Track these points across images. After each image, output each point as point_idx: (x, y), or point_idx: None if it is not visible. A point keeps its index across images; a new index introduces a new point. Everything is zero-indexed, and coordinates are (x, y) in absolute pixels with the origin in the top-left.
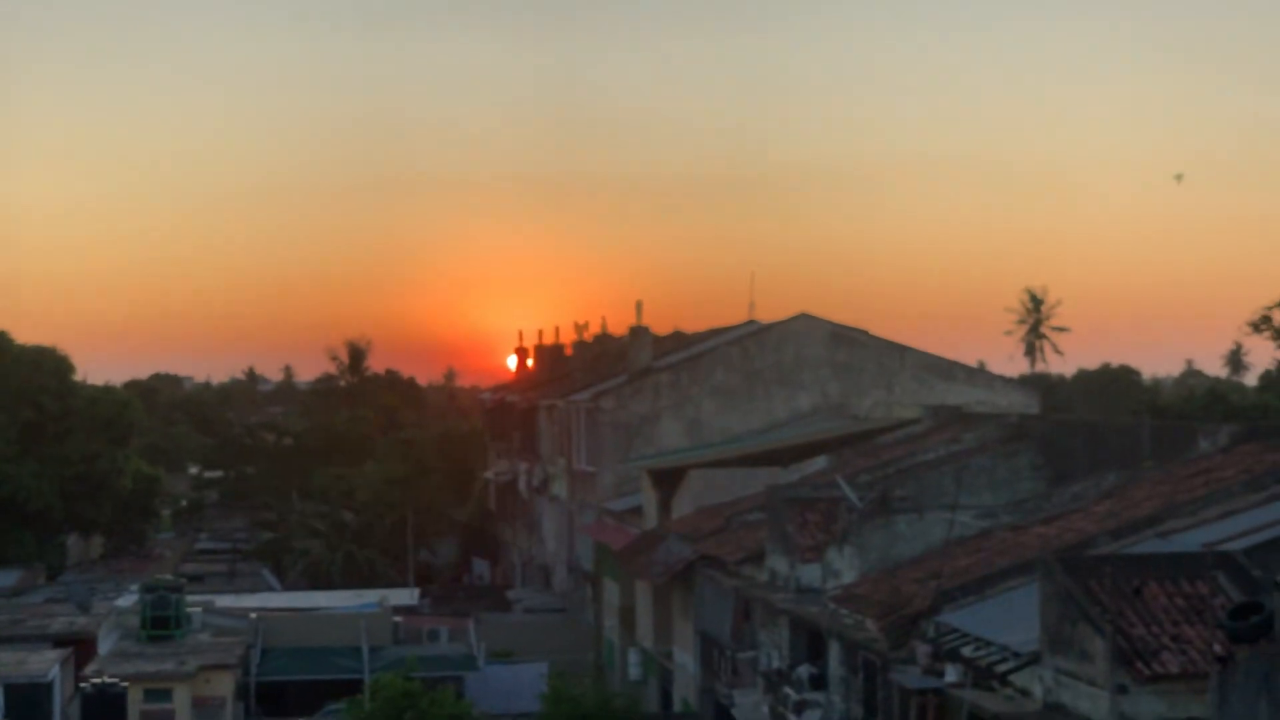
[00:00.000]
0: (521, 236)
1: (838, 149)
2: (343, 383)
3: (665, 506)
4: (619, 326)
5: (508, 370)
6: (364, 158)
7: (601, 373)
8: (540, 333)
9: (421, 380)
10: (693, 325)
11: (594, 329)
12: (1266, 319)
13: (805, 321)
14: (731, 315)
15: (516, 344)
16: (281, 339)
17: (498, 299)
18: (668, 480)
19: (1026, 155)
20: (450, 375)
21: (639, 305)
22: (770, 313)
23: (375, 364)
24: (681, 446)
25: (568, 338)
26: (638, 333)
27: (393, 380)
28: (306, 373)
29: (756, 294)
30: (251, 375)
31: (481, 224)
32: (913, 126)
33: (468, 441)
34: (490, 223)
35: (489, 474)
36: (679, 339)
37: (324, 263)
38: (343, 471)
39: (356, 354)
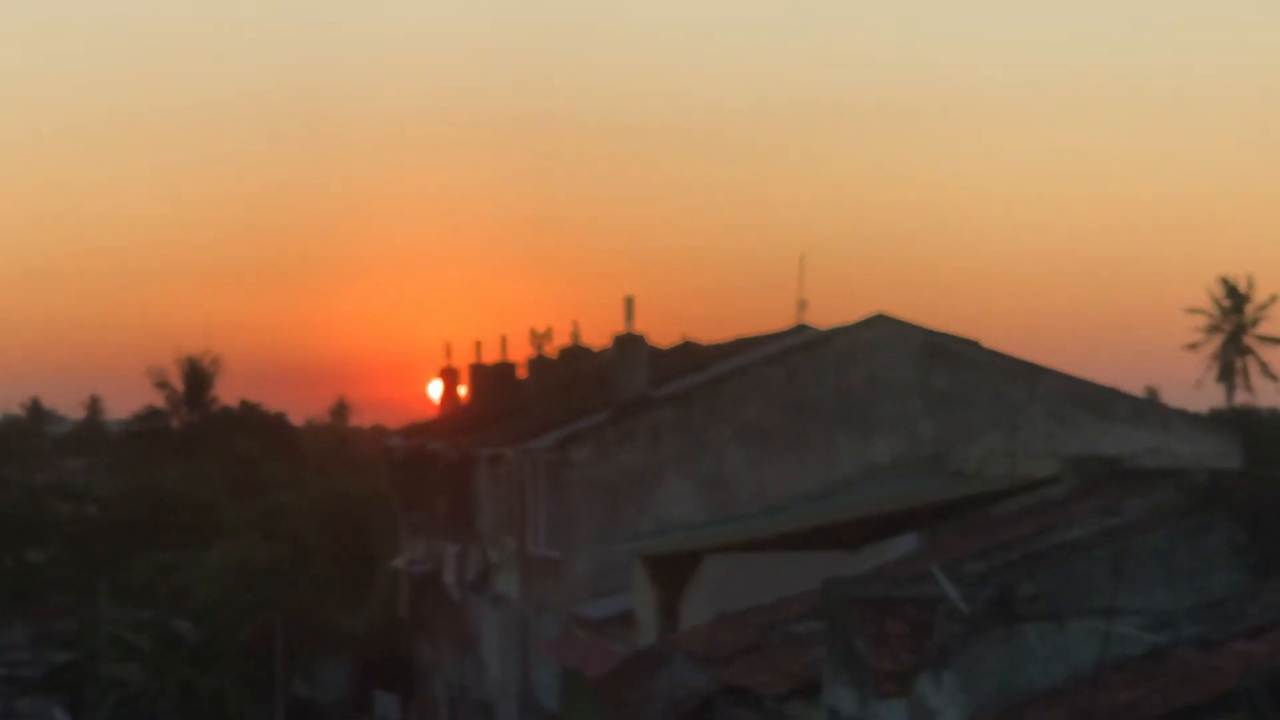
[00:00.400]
0: (451, 203)
1: (914, 77)
2: (175, 422)
3: (669, 612)
4: (599, 335)
5: (429, 403)
6: (208, 83)
7: (572, 406)
8: (478, 346)
9: (296, 418)
10: (711, 334)
11: (560, 339)
12: None
13: (884, 327)
14: (769, 318)
15: (442, 363)
16: (82, 357)
17: (414, 297)
18: (673, 571)
19: (1216, 76)
20: (340, 410)
21: (629, 303)
22: (828, 314)
23: (225, 393)
24: (694, 520)
25: (520, 353)
26: (627, 344)
27: (252, 418)
28: (120, 406)
29: (809, 287)
30: (36, 411)
31: (390, 182)
32: (1032, 45)
33: (366, 511)
34: (404, 181)
35: (399, 563)
36: (690, 354)
37: (143, 240)
38: (175, 558)
39: (197, 378)
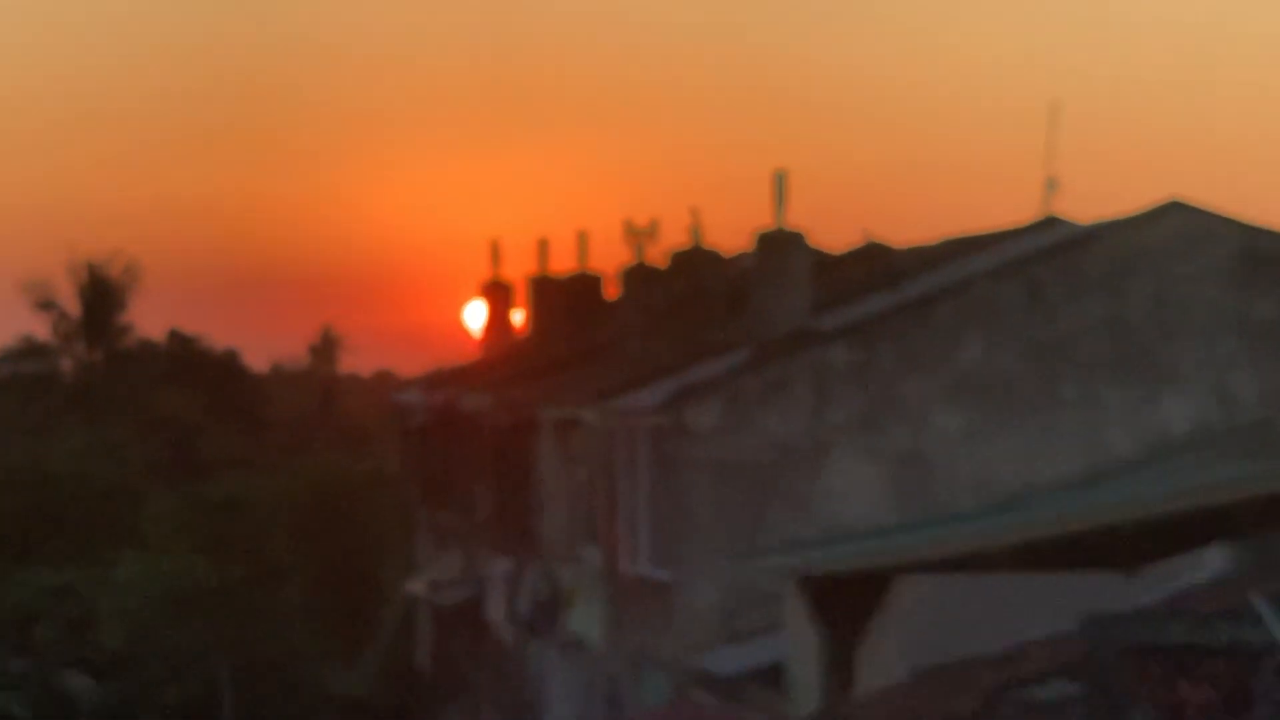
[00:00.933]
0: (502, 39)
1: None
2: (67, 363)
3: (841, 665)
4: (730, 232)
5: (464, 337)
6: None
7: (691, 342)
8: (542, 247)
9: (257, 359)
10: (907, 232)
11: (671, 236)
12: None
13: (1181, 221)
14: (996, 209)
15: (486, 274)
16: None
17: (444, 174)
18: (847, 603)
19: None
20: (325, 348)
21: (780, 181)
22: (1090, 202)
23: (146, 321)
24: (879, 523)
25: (609, 259)
26: (778, 246)
27: (187, 358)
28: None
29: (1065, 159)
30: None
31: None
32: None
33: (366, 506)
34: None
35: (417, 586)
36: (875, 262)
37: (27, 86)
38: (67, 576)
39: (101, 297)
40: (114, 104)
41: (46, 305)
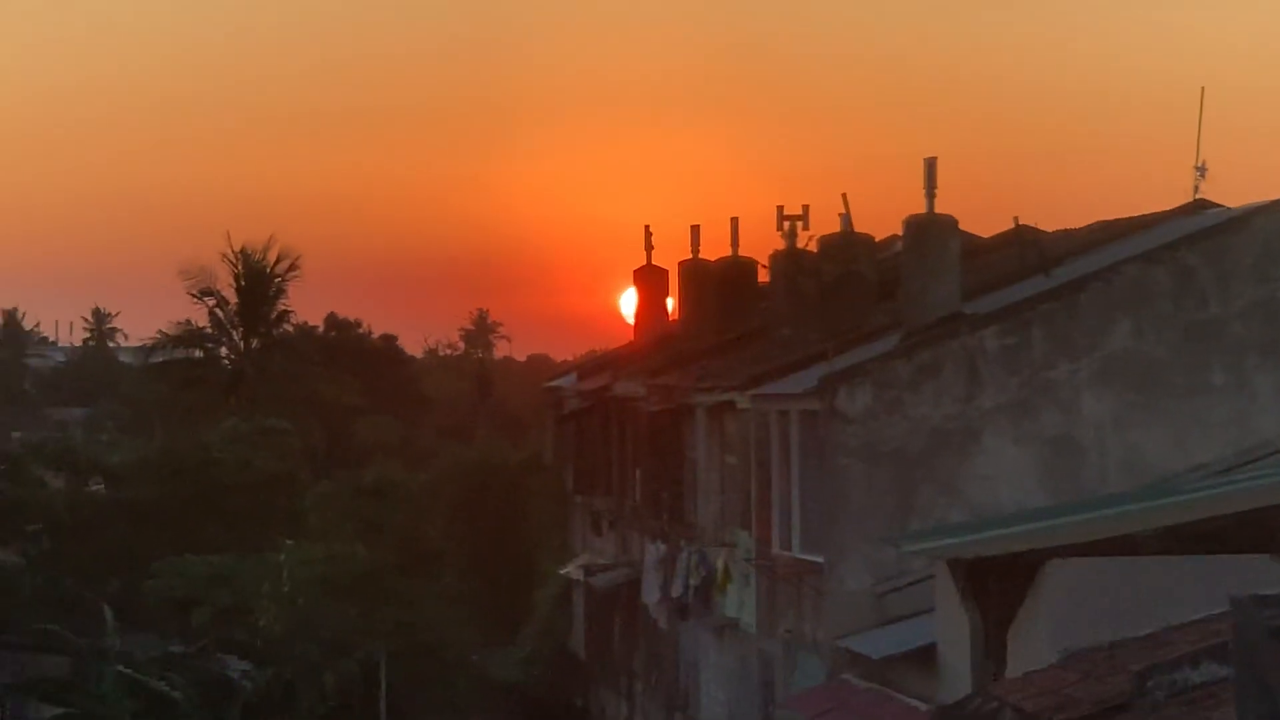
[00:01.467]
0: (655, 33)
1: None
2: (225, 350)
3: (993, 647)
4: (880, 219)
5: (618, 322)
6: None
7: (843, 327)
8: (695, 233)
9: (413, 345)
10: (1056, 217)
11: (823, 222)
12: None
13: None
14: (1146, 194)
15: (639, 261)
16: (83, 251)
17: (599, 163)
18: (999, 585)
19: None
20: (480, 334)
21: (930, 168)
22: (1241, 187)
23: (304, 307)
24: (1031, 507)
25: (761, 245)
26: (928, 231)
27: (345, 344)
28: (140, 326)
29: (1212, 144)
30: (13, 330)
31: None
32: None
33: (522, 491)
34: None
35: (572, 570)
36: (1025, 247)
37: (182, 74)
38: (225, 562)
39: (258, 283)
40: (273, 97)
41: (205, 293)
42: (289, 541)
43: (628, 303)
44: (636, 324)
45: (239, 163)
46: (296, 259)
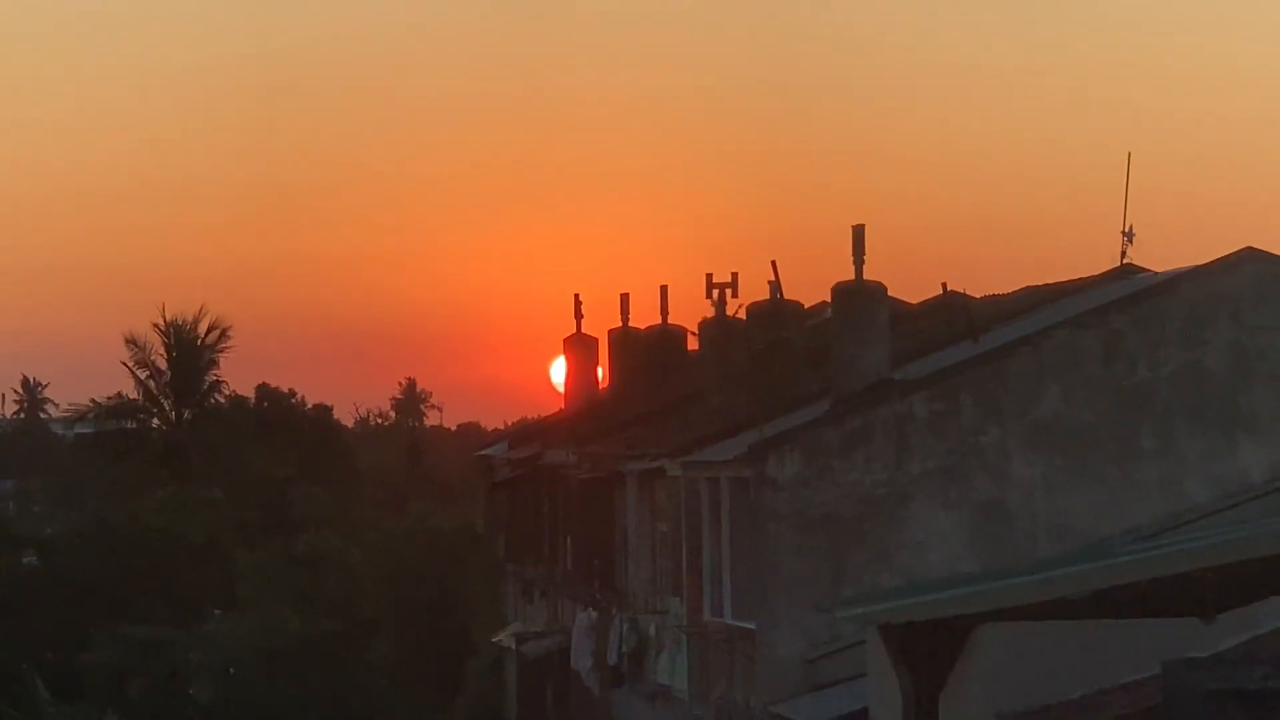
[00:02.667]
0: (582, 105)
1: None
2: (157, 421)
3: (928, 708)
4: (809, 286)
5: (549, 390)
6: None
7: (773, 395)
8: (625, 302)
9: (344, 414)
10: (984, 283)
11: (751, 290)
12: None
13: (1258, 269)
14: (1072, 259)
15: (569, 328)
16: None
17: (527, 234)
18: (930, 650)
19: None
20: (410, 402)
21: (859, 235)
22: (1165, 253)
23: (235, 377)
24: (961, 572)
25: (690, 313)
26: (856, 298)
27: (278, 414)
28: (71, 393)
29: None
30: None
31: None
32: None
33: (454, 559)
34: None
35: (505, 638)
36: (953, 313)
37: (114, 155)
38: (158, 634)
39: (188, 353)
40: (205, 167)
41: (139, 363)
42: (216, 612)
43: (558, 371)
44: (567, 392)
45: (168, 233)
46: (227, 329)
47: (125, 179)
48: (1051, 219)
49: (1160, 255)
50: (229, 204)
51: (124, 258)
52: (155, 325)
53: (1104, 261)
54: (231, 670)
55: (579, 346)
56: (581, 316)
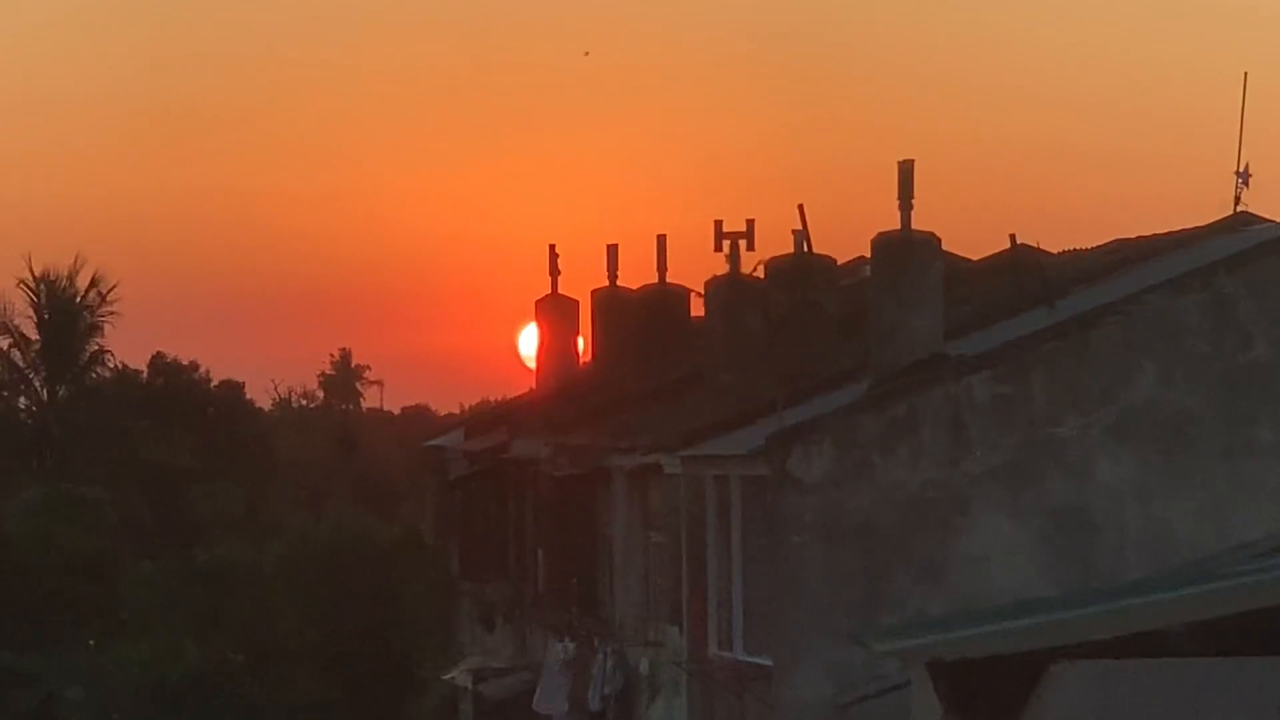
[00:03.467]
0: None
1: None
2: (24, 399)
3: None
4: (842, 238)
5: (517, 365)
6: None
7: (796, 372)
8: (612, 254)
9: (259, 393)
10: (1063, 235)
11: (771, 242)
12: None
13: None
14: (1172, 206)
15: (543, 288)
16: None
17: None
18: (991, 690)
19: None
20: (343, 379)
21: (906, 173)
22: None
23: (122, 345)
24: (1029, 595)
25: (694, 270)
26: (902, 252)
27: (175, 391)
28: None
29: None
30: None
31: None
32: None
33: (395, 576)
34: None
35: (458, 675)
36: (1025, 271)
37: None
38: (30, 663)
39: (64, 316)
40: (83, 82)
41: (1, 330)
42: (90, 642)
43: (528, 341)
44: (539, 368)
45: (39, 170)
46: (113, 286)
47: None
48: (1145, 155)
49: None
50: (113, 129)
51: None
52: (20, 281)
53: (1212, 209)
54: (115, 709)
55: (555, 311)
56: (558, 273)
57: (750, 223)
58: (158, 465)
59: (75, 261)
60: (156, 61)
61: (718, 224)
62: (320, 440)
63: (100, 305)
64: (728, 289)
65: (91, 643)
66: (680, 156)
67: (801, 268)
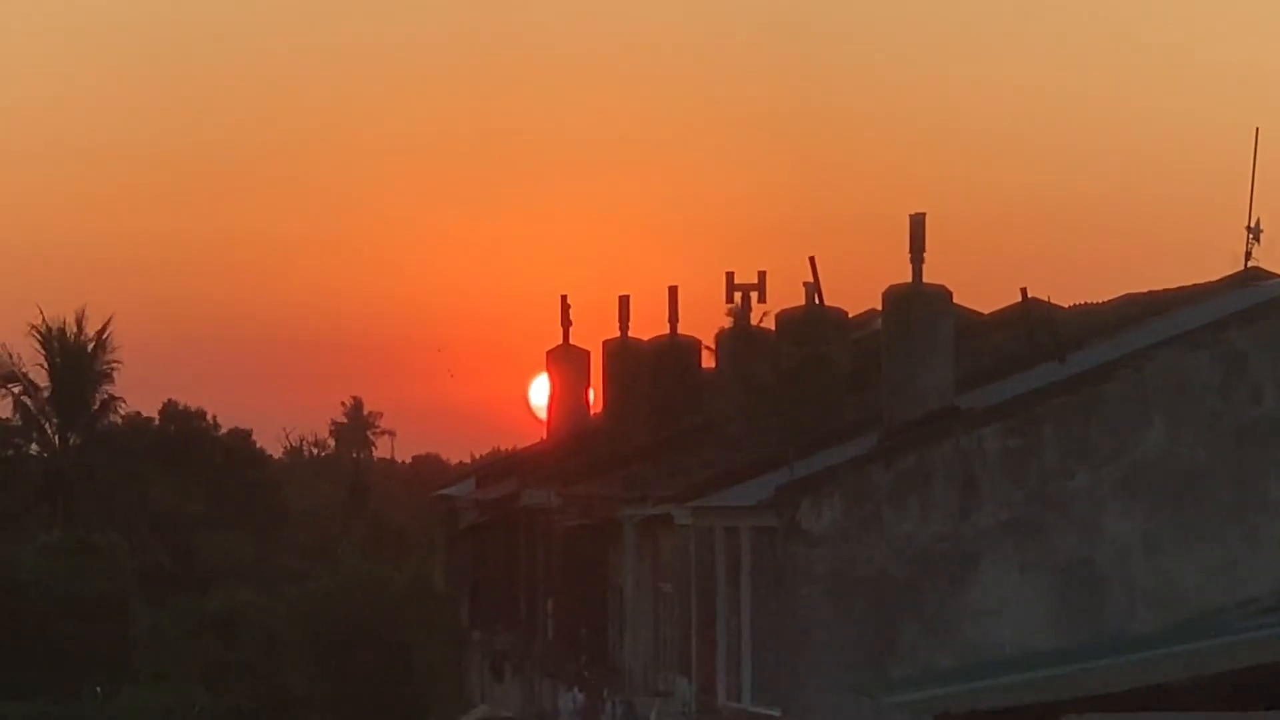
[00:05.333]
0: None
1: None
2: (36, 448)
3: None
4: (853, 292)
5: (528, 416)
6: None
7: (806, 425)
8: (624, 305)
9: (271, 442)
10: (1073, 290)
11: (782, 295)
12: None
13: None
14: (1181, 263)
15: (555, 338)
16: None
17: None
18: None
19: None
20: (355, 428)
21: (917, 225)
22: None
23: (134, 394)
24: (1040, 650)
25: (704, 322)
26: (913, 305)
27: (187, 440)
28: None
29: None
30: None
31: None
32: None
33: (405, 623)
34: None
35: None
36: (1034, 326)
37: None
38: (41, 706)
39: (74, 365)
40: (95, 129)
41: (8, 379)
42: (97, 689)
43: (539, 392)
44: (550, 418)
45: (50, 215)
46: (119, 332)
47: None
48: (1157, 210)
49: None
50: (126, 176)
51: None
52: (32, 328)
53: (1223, 264)
54: None
55: (566, 361)
56: (570, 324)
57: (762, 274)
58: (169, 512)
59: (83, 311)
60: (169, 109)
61: (729, 275)
62: (331, 488)
63: (110, 353)
64: (737, 340)
65: (98, 689)
66: (692, 208)
67: (812, 320)
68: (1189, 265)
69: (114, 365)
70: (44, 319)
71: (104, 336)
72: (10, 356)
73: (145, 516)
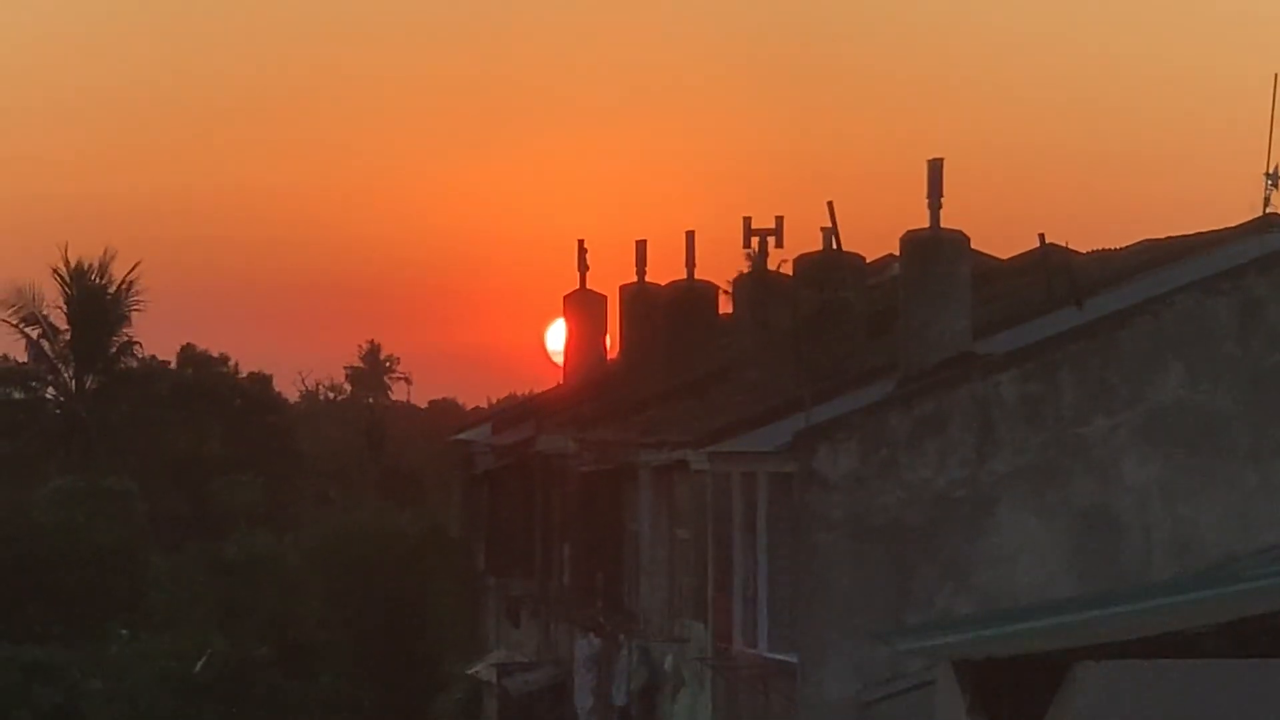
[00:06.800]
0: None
1: None
2: (52, 390)
3: None
4: (869, 236)
5: (545, 361)
6: None
7: (823, 370)
8: (640, 250)
9: (287, 385)
10: (1091, 235)
11: (799, 239)
12: None
13: None
14: (1200, 209)
15: (572, 283)
16: None
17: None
18: (1015, 689)
19: None
20: (371, 372)
21: (935, 170)
22: None
23: (151, 335)
24: (1054, 595)
25: (722, 266)
26: (930, 250)
27: (204, 382)
28: None
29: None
30: None
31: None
32: None
33: (421, 570)
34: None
35: (483, 669)
36: (1053, 271)
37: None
38: (54, 655)
39: (93, 305)
40: (113, 76)
41: (28, 320)
42: (123, 632)
43: (555, 337)
44: (566, 363)
45: (72, 166)
46: (141, 277)
47: (12, 91)
48: (1175, 157)
49: None
50: (145, 126)
51: (10, 191)
52: (54, 270)
53: (1241, 211)
54: (141, 703)
55: (583, 306)
56: (587, 268)
57: (779, 219)
58: (186, 456)
59: (106, 253)
60: (188, 58)
61: (746, 220)
62: (347, 433)
63: (130, 296)
64: (755, 285)
65: (124, 631)
66: (710, 153)
67: (830, 265)
68: (1207, 212)
69: (135, 307)
70: (67, 262)
71: (126, 280)
72: (34, 298)
73: (162, 462)
